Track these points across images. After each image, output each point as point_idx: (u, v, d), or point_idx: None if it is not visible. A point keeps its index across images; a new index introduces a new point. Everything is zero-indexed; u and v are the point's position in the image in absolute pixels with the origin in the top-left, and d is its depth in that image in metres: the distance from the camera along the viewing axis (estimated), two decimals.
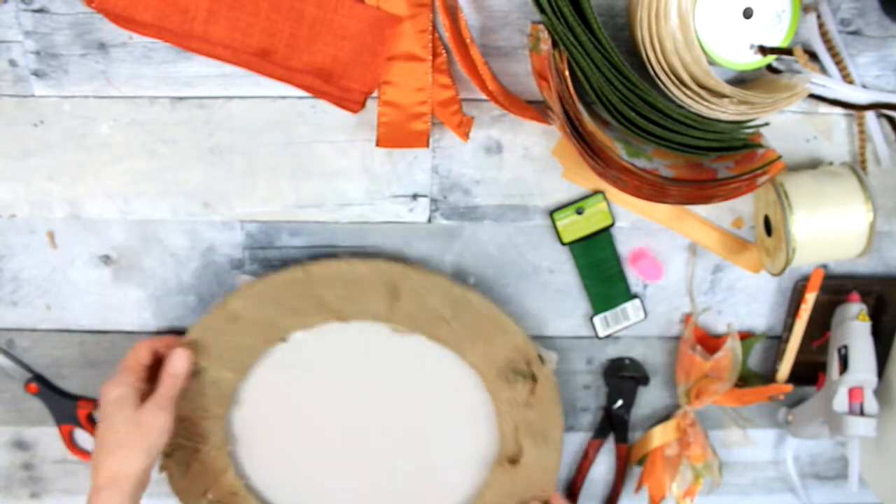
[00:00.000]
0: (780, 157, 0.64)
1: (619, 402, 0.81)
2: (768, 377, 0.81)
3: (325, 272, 0.71)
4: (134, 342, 0.72)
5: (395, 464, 0.79)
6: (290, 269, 0.71)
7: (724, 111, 0.63)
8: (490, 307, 0.72)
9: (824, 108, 0.71)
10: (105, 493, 0.66)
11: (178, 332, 0.77)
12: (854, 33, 0.68)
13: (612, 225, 0.74)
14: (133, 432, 0.67)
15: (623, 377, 0.80)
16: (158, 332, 0.78)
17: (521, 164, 0.72)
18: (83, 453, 0.82)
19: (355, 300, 0.72)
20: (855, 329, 0.73)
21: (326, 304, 0.72)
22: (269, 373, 0.76)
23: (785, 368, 0.79)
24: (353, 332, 0.74)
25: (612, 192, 0.73)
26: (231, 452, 0.78)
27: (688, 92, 0.63)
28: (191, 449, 0.76)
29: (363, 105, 0.68)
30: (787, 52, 0.63)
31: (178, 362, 0.70)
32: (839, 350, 0.74)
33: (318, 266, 0.71)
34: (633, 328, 0.79)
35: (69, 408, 0.80)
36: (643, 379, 0.81)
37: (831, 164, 0.72)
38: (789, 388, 0.77)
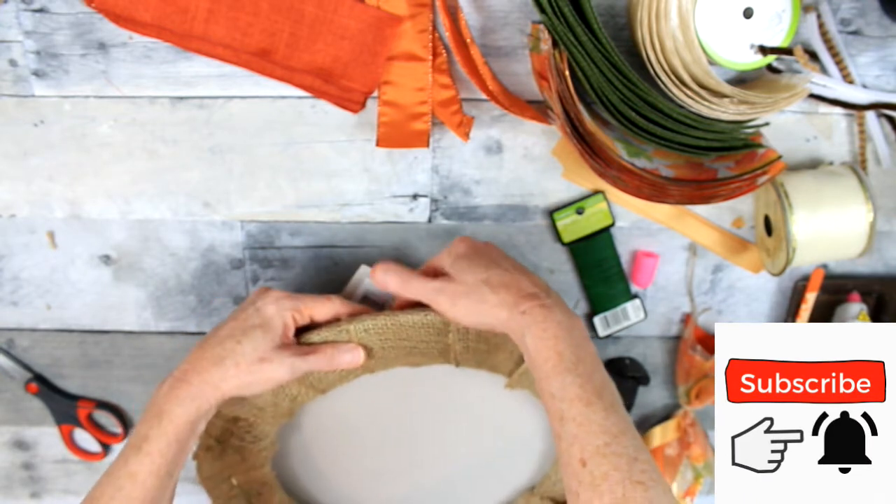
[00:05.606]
0: (780, 157, 0.64)
1: None
2: None
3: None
4: (133, 342, 0.71)
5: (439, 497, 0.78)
6: (423, 313, 0.64)
7: (724, 111, 0.63)
8: None
9: (824, 108, 0.71)
10: (180, 387, 0.59)
11: (178, 333, 0.77)
12: (854, 33, 0.68)
13: (612, 225, 0.74)
14: (249, 360, 0.59)
15: (623, 377, 0.80)
16: (160, 333, 0.78)
17: (521, 164, 0.72)
18: (83, 453, 0.82)
19: (487, 354, 0.68)
20: None
21: (450, 348, 0.68)
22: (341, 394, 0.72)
23: None
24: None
25: (612, 192, 0.73)
26: (275, 453, 0.75)
27: (688, 92, 0.63)
28: (236, 445, 0.73)
29: (363, 105, 0.68)
30: (788, 51, 0.63)
31: (346, 357, 0.64)
32: None
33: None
34: (633, 328, 0.79)
35: (69, 408, 0.80)
36: (643, 379, 0.81)
37: (831, 164, 0.72)
38: None
